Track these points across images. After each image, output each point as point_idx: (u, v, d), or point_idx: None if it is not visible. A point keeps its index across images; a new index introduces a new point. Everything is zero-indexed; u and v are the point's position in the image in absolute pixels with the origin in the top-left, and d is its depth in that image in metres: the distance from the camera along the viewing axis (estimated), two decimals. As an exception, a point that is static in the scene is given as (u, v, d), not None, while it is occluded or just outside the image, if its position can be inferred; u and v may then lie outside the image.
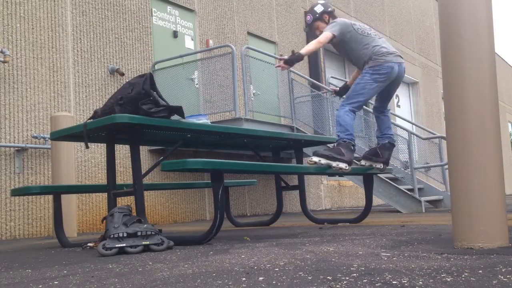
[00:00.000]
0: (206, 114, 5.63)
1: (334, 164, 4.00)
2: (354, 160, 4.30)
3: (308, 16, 4.53)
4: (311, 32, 4.59)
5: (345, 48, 4.35)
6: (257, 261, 2.25)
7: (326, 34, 4.21)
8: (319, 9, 4.46)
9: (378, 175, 6.87)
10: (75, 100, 5.99)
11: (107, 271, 2.18)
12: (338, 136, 4.12)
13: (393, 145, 4.45)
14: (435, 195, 7.62)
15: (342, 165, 4.01)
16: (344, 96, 4.50)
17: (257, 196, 8.55)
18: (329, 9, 4.49)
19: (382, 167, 4.38)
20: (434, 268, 1.85)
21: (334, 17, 4.46)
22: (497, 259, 1.97)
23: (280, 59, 4.27)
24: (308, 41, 10.31)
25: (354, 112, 4.17)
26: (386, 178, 7.18)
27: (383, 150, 4.38)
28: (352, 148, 4.10)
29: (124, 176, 6.33)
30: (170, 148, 4.48)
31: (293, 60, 4.17)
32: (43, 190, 4.19)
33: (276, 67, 4.47)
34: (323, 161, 4.01)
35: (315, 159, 4.03)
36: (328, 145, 6.55)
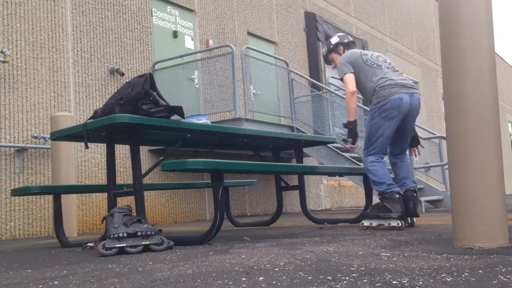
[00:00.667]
0: (206, 114, 5.63)
1: (386, 223, 3.71)
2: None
3: (324, 48, 4.36)
4: (326, 61, 4.37)
5: (357, 83, 3.98)
6: (257, 261, 2.25)
7: (349, 78, 3.89)
8: (334, 40, 4.26)
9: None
10: (75, 100, 5.99)
11: (107, 271, 2.18)
12: (375, 189, 3.85)
13: (414, 192, 3.90)
14: (435, 195, 7.62)
15: (394, 223, 3.66)
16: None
17: (257, 196, 8.55)
18: (345, 41, 4.23)
19: (410, 221, 3.94)
20: (434, 268, 1.85)
21: (350, 49, 4.18)
22: (497, 259, 1.97)
23: (346, 142, 3.99)
24: (308, 41, 10.35)
25: (381, 157, 3.84)
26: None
27: (405, 201, 3.80)
28: (397, 196, 3.70)
29: (124, 176, 6.33)
30: (170, 148, 4.48)
31: (354, 132, 3.91)
32: (43, 190, 4.19)
33: (350, 147, 4.05)
34: (375, 223, 3.77)
35: (366, 223, 3.80)
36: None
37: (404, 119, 3.83)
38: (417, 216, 3.92)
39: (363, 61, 3.94)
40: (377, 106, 3.78)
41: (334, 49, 4.24)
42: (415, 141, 4.22)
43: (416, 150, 4.27)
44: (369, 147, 3.86)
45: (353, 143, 3.97)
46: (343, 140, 4.07)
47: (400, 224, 3.65)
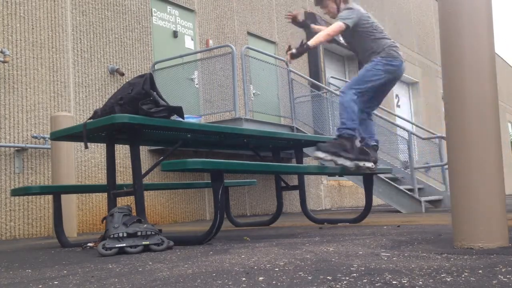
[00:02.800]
0: (199, 116, 5.63)
1: (340, 161, 3.88)
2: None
3: None
4: (319, 3, 4.32)
5: (353, 37, 4.19)
6: (257, 261, 2.25)
7: (338, 25, 4.00)
8: None
9: (378, 175, 6.87)
10: (75, 100, 5.99)
11: (107, 271, 2.18)
12: (343, 124, 3.92)
13: (377, 146, 4.31)
14: (435, 195, 7.62)
15: (348, 163, 3.90)
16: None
17: (257, 196, 8.55)
18: None
19: (373, 166, 4.17)
20: (434, 268, 1.85)
21: (346, 1, 4.25)
22: (497, 259, 1.97)
23: (288, 52, 4.09)
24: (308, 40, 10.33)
25: (359, 98, 4.00)
26: (386, 178, 7.18)
27: (372, 150, 4.19)
28: (355, 143, 3.96)
29: (124, 176, 6.33)
30: (170, 148, 4.47)
31: (302, 52, 4.01)
32: (43, 190, 4.19)
33: (287, 61, 4.22)
34: (329, 157, 3.88)
35: (321, 154, 3.88)
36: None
37: (389, 81, 4.14)
38: (376, 163, 4.21)
39: (370, 24, 4.13)
40: (386, 59, 4.03)
41: None
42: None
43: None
44: (357, 85, 4.01)
45: (294, 57, 4.01)
46: (289, 47, 4.07)
47: (352, 167, 3.92)
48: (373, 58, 4.08)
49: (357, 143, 4.07)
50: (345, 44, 4.46)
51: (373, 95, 4.21)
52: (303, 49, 3.99)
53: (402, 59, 4.15)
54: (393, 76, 4.11)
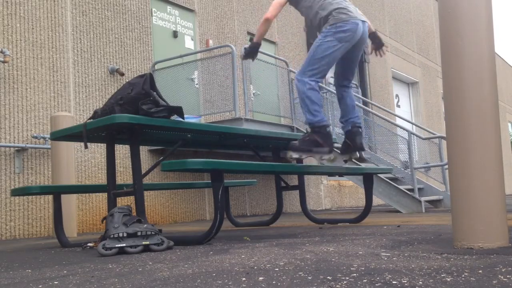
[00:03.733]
0: (199, 116, 5.62)
1: (316, 157, 3.64)
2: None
3: None
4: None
5: (301, 7, 3.83)
6: (257, 261, 2.25)
7: (274, 4, 3.72)
8: None
9: (378, 175, 6.87)
10: (75, 100, 5.99)
11: (107, 271, 2.18)
12: (306, 117, 3.61)
13: (359, 128, 3.88)
14: (435, 195, 7.62)
15: (325, 157, 3.61)
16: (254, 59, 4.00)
17: (257, 196, 8.55)
18: None
19: (359, 155, 3.86)
20: (434, 268, 1.85)
21: None
22: (497, 259, 1.97)
23: (243, 56, 3.97)
24: (308, 42, 10.35)
25: (318, 83, 3.63)
26: (386, 178, 7.18)
27: (352, 137, 3.84)
28: (328, 130, 3.61)
29: (124, 176, 6.33)
30: (170, 148, 4.47)
31: (250, 52, 3.87)
32: (43, 190, 4.18)
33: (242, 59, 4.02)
34: (304, 155, 3.65)
35: (295, 155, 3.64)
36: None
37: (353, 47, 3.69)
38: (363, 149, 3.87)
39: None
40: (333, 27, 3.58)
41: None
42: (378, 44, 4.08)
43: (381, 52, 4.11)
44: (309, 67, 3.61)
45: (245, 58, 3.94)
46: (243, 54, 4.00)
47: (332, 157, 3.63)
48: (324, 29, 3.65)
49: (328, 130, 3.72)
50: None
51: (341, 68, 3.85)
52: (250, 49, 3.88)
53: (356, 19, 3.63)
54: (350, 42, 3.64)
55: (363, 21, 3.70)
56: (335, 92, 4.22)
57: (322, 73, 3.65)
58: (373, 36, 4.07)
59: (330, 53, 3.58)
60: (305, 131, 3.86)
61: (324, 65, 3.61)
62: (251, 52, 3.92)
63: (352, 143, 3.84)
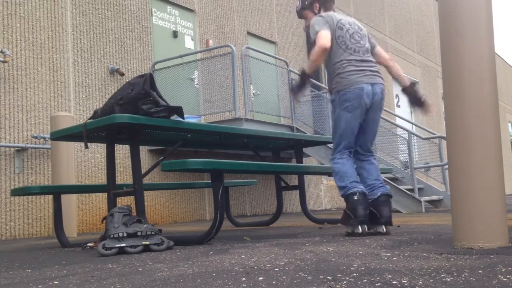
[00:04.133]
0: (199, 116, 5.62)
1: (349, 231, 3.33)
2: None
3: (298, 2, 3.78)
4: (300, 15, 3.81)
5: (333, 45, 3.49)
6: (257, 261, 2.25)
7: (322, 33, 3.39)
8: None
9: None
10: (75, 100, 5.99)
11: (107, 271, 2.18)
12: (340, 189, 3.38)
13: (390, 197, 3.42)
14: (435, 195, 7.62)
15: (356, 230, 3.27)
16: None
17: (257, 196, 8.55)
18: None
19: (385, 230, 3.34)
20: (434, 268, 1.85)
21: (327, 8, 3.65)
22: (497, 259, 1.97)
23: (292, 91, 3.71)
24: (307, 42, 10.35)
25: (346, 153, 3.42)
26: (386, 178, 7.18)
27: (378, 208, 3.34)
28: (356, 198, 3.24)
29: (124, 176, 6.33)
30: (170, 148, 4.47)
31: (302, 85, 3.60)
32: (43, 190, 4.18)
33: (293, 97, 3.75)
34: (351, 229, 3.31)
35: (349, 230, 3.32)
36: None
37: (367, 113, 3.43)
38: (391, 224, 3.39)
39: (335, 37, 3.46)
40: (339, 96, 3.40)
41: (309, 6, 3.69)
42: (415, 101, 3.60)
43: (426, 111, 3.62)
44: (334, 146, 3.48)
45: (296, 93, 3.65)
46: (291, 89, 3.78)
47: (360, 231, 3.26)
48: (332, 94, 3.48)
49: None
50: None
51: (359, 133, 3.51)
52: (303, 81, 3.60)
53: (361, 83, 3.36)
54: (361, 108, 3.38)
55: (373, 83, 3.40)
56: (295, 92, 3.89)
57: (347, 145, 3.45)
58: (407, 92, 3.64)
59: (344, 125, 3.40)
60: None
61: (345, 138, 3.42)
62: (301, 86, 3.62)
63: (380, 215, 3.34)
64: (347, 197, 3.30)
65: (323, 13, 3.58)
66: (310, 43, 3.88)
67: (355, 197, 3.25)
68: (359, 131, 3.48)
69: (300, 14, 3.81)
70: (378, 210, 3.33)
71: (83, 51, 6.15)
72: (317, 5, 3.67)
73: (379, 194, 3.37)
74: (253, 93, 7.40)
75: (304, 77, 3.58)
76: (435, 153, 7.92)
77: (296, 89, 3.65)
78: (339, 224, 4.70)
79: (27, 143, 5.41)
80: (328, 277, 1.74)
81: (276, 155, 5.16)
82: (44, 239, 4.92)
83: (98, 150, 6.13)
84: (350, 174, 3.35)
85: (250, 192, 8.41)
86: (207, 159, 3.14)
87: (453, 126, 2.39)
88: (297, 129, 7.52)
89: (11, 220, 5.20)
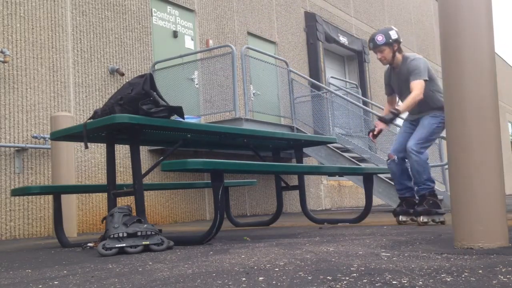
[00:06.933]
0: (199, 117, 5.62)
1: (437, 220, 4.07)
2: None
3: (380, 37, 4.28)
4: (376, 48, 4.30)
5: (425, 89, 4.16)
6: (257, 261, 2.25)
7: (421, 84, 4.05)
8: (394, 35, 4.32)
9: (378, 175, 6.87)
10: (75, 100, 5.99)
11: (107, 271, 2.18)
12: (427, 183, 4.05)
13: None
14: (435, 195, 7.60)
15: (442, 218, 4.07)
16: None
17: (257, 196, 8.55)
18: (401, 40, 4.42)
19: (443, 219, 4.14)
20: (434, 268, 1.85)
21: (400, 50, 4.36)
22: (497, 259, 1.97)
23: (378, 121, 4.19)
24: (308, 42, 10.35)
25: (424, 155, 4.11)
26: (386, 178, 7.17)
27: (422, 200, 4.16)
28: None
29: (124, 176, 6.33)
30: (170, 148, 4.47)
31: (393, 119, 4.13)
32: (43, 190, 4.19)
33: (371, 136, 4.21)
34: (430, 219, 4.05)
35: (426, 219, 4.03)
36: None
37: None
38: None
39: (432, 73, 4.24)
40: (443, 114, 4.00)
41: (391, 44, 4.28)
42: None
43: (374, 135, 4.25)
44: (425, 143, 4.09)
45: (385, 123, 4.14)
46: (371, 131, 4.20)
47: (445, 219, 4.03)
48: (436, 113, 4.12)
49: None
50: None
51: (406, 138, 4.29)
52: (394, 115, 4.10)
53: None
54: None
55: None
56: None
57: (429, 146, 4.21)
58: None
59: (434, 138, 4.21)
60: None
61: (432, 141, 4.20)
62: (392, 119, 4.17)
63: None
64: (435, 191, 4.09)
65: (422, 58, 4.30)
66: (310, 43, 4.38)
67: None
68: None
69: (379, 47, 4.31)
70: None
71: (83, 51, 6.15)
72: (397, 45, 4.32)
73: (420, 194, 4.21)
74: (253, 93, 7.40)
75: (394, 117, 4.12)
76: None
77: (386, 122, 4.15)
78: (338, 224, 4.71)
79: (27, 143, 5.41)
80: (328, 277, 1.74)
81: (276, 155, 5.16)
82: (44, 239, 4.92)
83: (98, 150, 6.13)
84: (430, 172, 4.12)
85: (250, 192, 8.41)
86: (207, 159, 3.14)
87: (453, 126, 2.39)
88: (297, 129, 7.52)
89: (11, 220, 5.20)
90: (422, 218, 4.02)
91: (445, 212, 4.06)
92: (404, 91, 4.22)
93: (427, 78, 4.10)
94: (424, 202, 4.05)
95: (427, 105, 4.16)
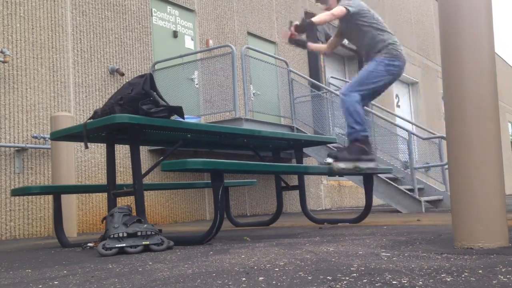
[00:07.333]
0: (199, 117, 5.61)
1: (363, 165, 3.85)
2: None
3: None
4: (323, 1, 4.24)
5: (355, 30, 4.12)
6: (257, 261, 2.25)
7: (340, 9, 3.97)
8: None
9: (378, 175, 6.87)
10: (75, 100, 5.99)
11: (107, 271, 2.18)
12: (354, 127, 3.86)
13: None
14: (435, 195, 7.62)
15: (371, 165, 3.89)
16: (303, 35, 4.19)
17: (257, 196, 8.55)
18: None
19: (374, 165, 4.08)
20: (434, 268, 1.85)
21: None
22: (497, 259, 1.97)
23: (291, 26, 4.06)
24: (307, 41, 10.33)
25: (359, 98, 3.93)
26: (386, 178, 7.18)
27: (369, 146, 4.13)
28: (369, 140, 3.93)
29: (124, 176, 6.33)
30: (170, 148, 4.47)
31: (305, 26, 3.97)
32: (43, 190, 4.18)
33: (284, 37, 4.14)
34: (351, 165, 3.85)
35: (343, 165, 3.83)
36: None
37: (390, 83, 4.07)
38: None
39: (371, 16, 4.12)
40: (388, 59, 3.97)
41: None
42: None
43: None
44: (357, 87, 3.94)
45: (294, 31, 4.03)
46: (291, 22, 4.11)
47: (377, 165, 3.90)
48: (376, 57, 4.01)
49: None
50: (348, 43, 4.47)
51: (370, 95, 4.20)
52: (306, 23, 3.96)
53: (405, 59, 4.08)
54: (393, 77, 4.07)
55: (405, 62, 4.11)
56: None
57: (365, 94, 3.99)
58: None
59: (377, 82, 3.97)
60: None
61: (369, 90, 3.98)
62: (304, 29, 4.03)
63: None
64: (365, 136, 3.86)
65: None
66: (310, 35, 4.31)
67: (369, 139, 3.89)
68: (373, 93, 4.09)
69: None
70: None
71: (83, 51, 6.15)
72: None
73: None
74: (253, 93, 7.40)
75: (309, 24, 3.98)
76: (435, 153, 7.92)
77: (300, 28, 4.02)
78: (338, 224, 4.71)
79: (27, 143, 5.41)
80: (328, 277, 1.74)
81: (276, 155, 5.16)
82: (44, 239, 4.93)
83: (98, 150, 6.13)
84: (363, 118, 3.91)
85: (250, 192, 8.41)
86: (207, 159, 3.14)
87: (453, 126, 2.39)
88: (297, 129, 7.52)
89: (11, 220, 5.20)
90: (337, 165, 3.81)
91: (374, 158, 3.89)
92: (350, 35, 4.23)
93: (348, 8, 3.98)
94: (348, 147, 3.89)
95: (368, 52, 4.09)
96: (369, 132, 3.96)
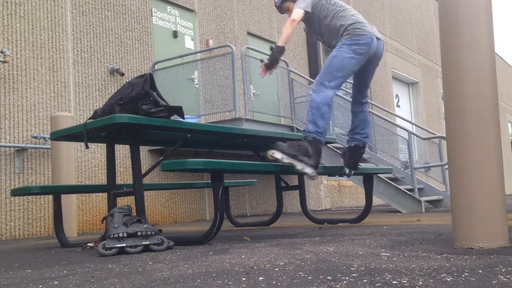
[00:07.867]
0: (199, 117, 5.61)
1: (299, 166, 3.54)
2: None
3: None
4: (281, 10, 4.11)
5: (317, 22, 3.90)
6: (257, 261, 2.25)
7: (297, 12, 3.76)
8: None
9: (378, 175, 6.87)
10: (75, 100, 5.99)
11: (107, 271, 2.18)
12: (309, 126, 3.59)
13: (362, 148, 3.99)
14: (435, 195, 7.62)
15: (308, 170, 3.55)
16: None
17: (257, 196, 8.55)
18: None
19: (347, 172, 4.00)
20: (434, 268, 1.85)
21: None
22: (497, 259, 1.97)
23: (261, 65, 3.90)
24: (308, 41, 10.34)
25: (334, 93, 3.67)
26: (386, 178, 7.18)
27: (349, 154, 3.99)
28: (321, 148, 3.58)
29: (124, 176, 6.33)
30: (170, 148, 4.47)
31: (275, 58, 3.81)
32: (43, 190, 4.18)
33: (260, 75, 3.95)
34: (286, 159, 3.53)
35: (278, 155, 3.52)
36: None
37: (367, 62, 3.79)
38: (355, 169, 4.05)
39: (327, 2, 3.84)
40: (350, 40, 3.69)
41: None
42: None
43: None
44: (324, 77, 3.66)
45: (268, 68, 3.83)
46: (261, 61, 3.96)
47: (313, 173, 3.56)
48: (339, 44, 3.74)
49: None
50: (319, 37, 4.12)
51: (357, 82, 3.97)
52: (274, 55, 3.79)
53: (372, 35, 3.74)
54: (365, 56, 3.73)
55: (378, 38, 3.80)
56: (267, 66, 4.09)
57: (338, 85, 3.70)
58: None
59: (345, 64, 3.66)
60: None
61: (340, 77, 3.66)
62: (276, 61, 3.85)
63: (347, 159, 4.00)
64: (317, 141, 3.56)
65: None
66: (310, 43, 4.17)
67: (321, 147, 3.58)
68: (361, 80, 3.93)
69: (281, 7, 4.11)
70: (348, 155, 3.98)
71: (83, 51, 6.15)
72: None
73: (353, 144, 3.96)
74: (253, 93, 7.40)
75: (279, 52, 3.83)
76: (435, 153, 7.92)
77: (269, 64, 3.84)
78: (338, 224, 4.71)
79: (27, 143, 5.41)
80: (328, 277, 1.74)
81: (276, 155, 5.15)
82: (44, 239, 4.92)
83: (98, 150, 6.13)
84: (326, 120, 3.60)
85: (250, 192, 8.41)
86: (207, 159, 3.14)
87: (453, 126, 2.39)
88: (297, 129, 7.52)
89: (11, 220, 5.20)
90: (272, 153, 3.54)
91: (313, 166, 3.54)
92: (316, 30, 4.02)
93: (304, 8, 3.77)
94: (292, 142, 3.63)
95: (331, 40, 3.84)
96: (323, 139, 3.59)
